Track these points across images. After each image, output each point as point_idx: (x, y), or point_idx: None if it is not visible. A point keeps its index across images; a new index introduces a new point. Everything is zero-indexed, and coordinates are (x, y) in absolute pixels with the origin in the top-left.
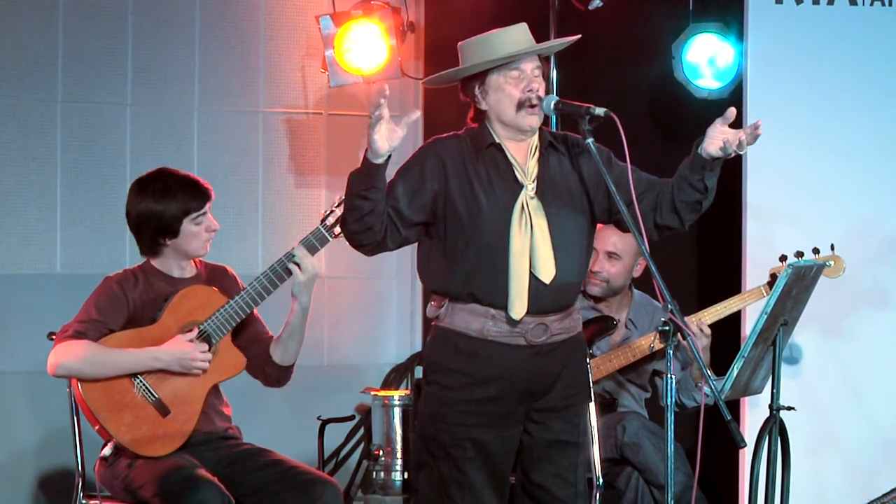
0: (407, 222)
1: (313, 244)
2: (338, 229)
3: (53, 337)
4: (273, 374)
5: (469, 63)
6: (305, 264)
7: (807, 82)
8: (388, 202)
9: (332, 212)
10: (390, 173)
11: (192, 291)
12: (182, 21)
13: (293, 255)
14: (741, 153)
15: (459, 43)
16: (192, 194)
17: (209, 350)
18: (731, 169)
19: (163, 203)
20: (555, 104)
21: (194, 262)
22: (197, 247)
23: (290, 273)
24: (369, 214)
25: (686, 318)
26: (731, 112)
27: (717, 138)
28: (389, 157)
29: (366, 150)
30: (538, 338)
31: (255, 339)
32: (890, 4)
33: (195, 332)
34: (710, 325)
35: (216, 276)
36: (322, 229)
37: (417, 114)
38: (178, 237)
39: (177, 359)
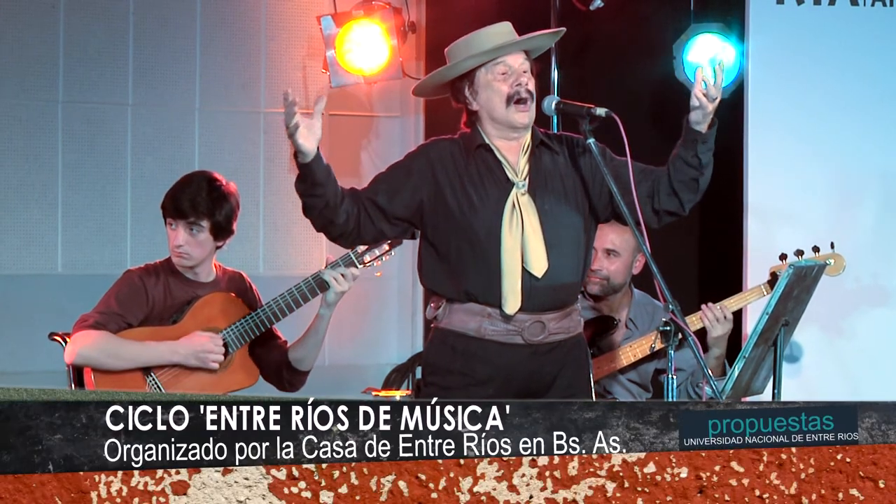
0: (387, 215)
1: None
2: (367, 257)
3: (56, 337)
4: (289, 379)
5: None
6: (343, 278)
7: (808, 82)
8: (366, 194)
9: None
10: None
11: (215, 298)
12: (183, 21)
13: (321, 275)
14: (714, 101)
15: (446, 48)
16: (174, 201)
17: (225, 359)
18: (732, 169)
19: (166, 194)
20: (556, 104)
21: (214, 266)
22: (171, 251)
23: (315, 293)
24: (325, 209)
25: (709, 305)
26: (700, 74)
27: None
28: (318, 150)
29: (295, 156)
30: (535, 336)
31: (271, 347)
32: (891, 5)
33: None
34: None
35: (233, 283)
36: (352, 255)
37: (324, 100)
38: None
39: (194, 352)
